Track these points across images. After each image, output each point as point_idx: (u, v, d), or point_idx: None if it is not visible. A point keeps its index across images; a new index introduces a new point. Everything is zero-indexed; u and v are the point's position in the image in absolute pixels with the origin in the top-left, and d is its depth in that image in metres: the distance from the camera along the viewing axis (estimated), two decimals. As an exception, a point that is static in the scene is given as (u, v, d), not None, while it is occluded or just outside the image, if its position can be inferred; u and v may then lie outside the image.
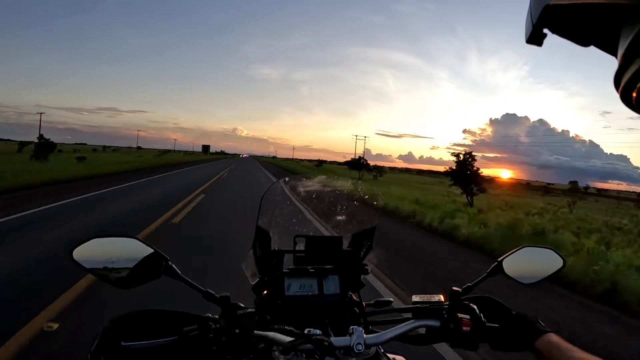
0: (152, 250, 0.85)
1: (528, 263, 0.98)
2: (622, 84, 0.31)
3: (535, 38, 0.36)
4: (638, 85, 0.30)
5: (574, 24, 0.34)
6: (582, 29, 0.35)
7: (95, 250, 0.83)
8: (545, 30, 0.35)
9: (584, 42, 0.36)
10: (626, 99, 0.32)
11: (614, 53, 0.32)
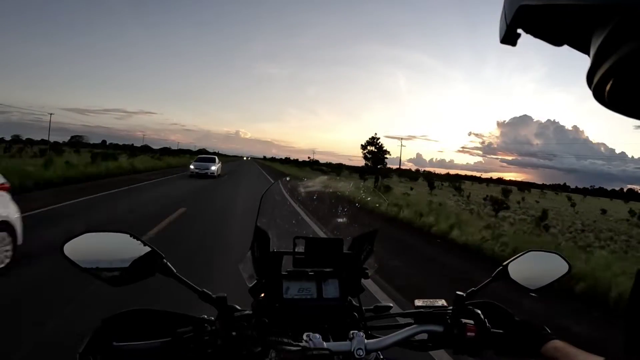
0: (146, 247, 0.82)
1: (533, 268, 0.96)
2: (595, 81, 0.32)
3: (509, 38, 0.37)
4: (610, 83, 0.31)
5: (547, 24, 0.35)
6: (555, 29, 0.36)
7: (88, 246, 0.79)
8: (519, 30, 0.36)
9: (557, 41, 0.36)
10: (598, 96, 0.33)
11: (586, 52, 0.33)
